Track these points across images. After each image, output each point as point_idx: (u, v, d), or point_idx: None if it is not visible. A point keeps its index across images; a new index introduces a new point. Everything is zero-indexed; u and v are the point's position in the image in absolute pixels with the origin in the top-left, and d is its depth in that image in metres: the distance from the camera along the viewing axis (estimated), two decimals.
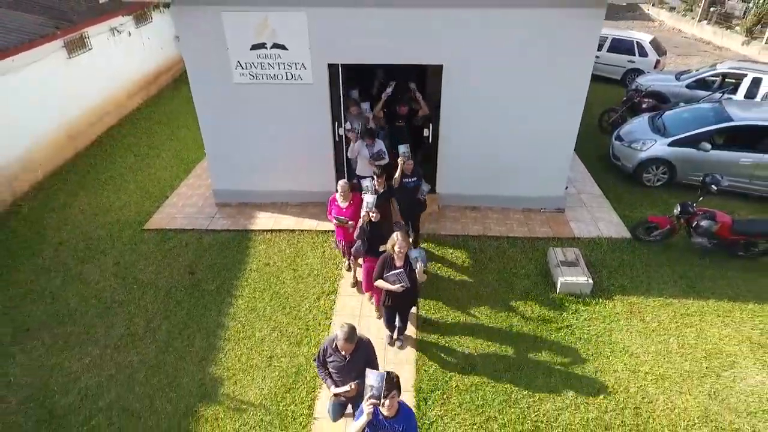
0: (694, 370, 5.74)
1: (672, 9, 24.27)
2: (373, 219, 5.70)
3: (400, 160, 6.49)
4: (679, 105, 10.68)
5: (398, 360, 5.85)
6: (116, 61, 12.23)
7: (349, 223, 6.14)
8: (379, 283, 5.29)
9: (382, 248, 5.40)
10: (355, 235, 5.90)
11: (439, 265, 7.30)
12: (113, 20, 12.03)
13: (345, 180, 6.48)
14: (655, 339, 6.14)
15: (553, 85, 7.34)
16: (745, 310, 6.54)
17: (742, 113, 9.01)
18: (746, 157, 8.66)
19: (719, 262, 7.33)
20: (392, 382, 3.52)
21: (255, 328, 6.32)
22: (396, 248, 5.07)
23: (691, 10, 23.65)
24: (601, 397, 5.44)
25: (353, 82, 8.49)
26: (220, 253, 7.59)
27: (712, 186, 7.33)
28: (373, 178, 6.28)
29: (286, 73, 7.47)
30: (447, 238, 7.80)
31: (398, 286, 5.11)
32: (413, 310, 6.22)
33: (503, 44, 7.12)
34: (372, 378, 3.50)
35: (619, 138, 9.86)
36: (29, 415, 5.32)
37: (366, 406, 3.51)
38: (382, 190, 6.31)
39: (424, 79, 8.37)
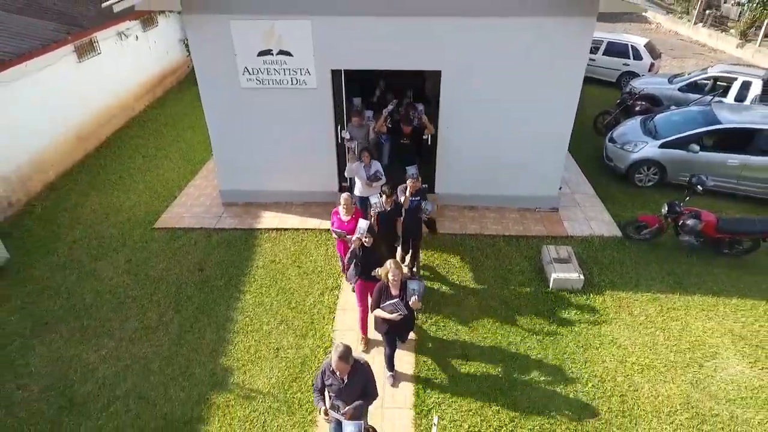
0: (678, 361, 6.07)
1: (668, 12, 24.55)
2: (365, 244, 5.55)
3: (408, 182, 6.41)
4: (670, 108, 10.98)
5: (398, 353, 6.09)
6: (124, 64, 12.56)
7: (349, 237, 5.93)
8: (377, 312, 5.24)
9: (374, 273, 5.32)
10: (346, 259, 5.78)
11: (438, 263, 7.63)
12: (121, 25, 12.34)
13: (348, 194, 6.38)
14: (642, 332, 6.47)
15: (550, 88, 7.66)
16: (729, 304, 6.87)
17: (730, 116, 9.33)
18: (733, 159, 8.98)
19: (705, 260, 7.66)
20: None
21: (262, 322, 6.65)
22: (390, 277, 5.02)
23: (688, 13, 23.97)
24: (590, 385, 5.77)
25: (354, 84, 8.71)
26: (228, 251, 7.91)
27: (698, 186, 7.65)
28: (381, 195, 6.26)
29: (291, 78, 7.79)
30: (445, 236, 8.12)
31: (396, 315, 5.07)
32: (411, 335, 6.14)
33: (503, 49, 7.42)
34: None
35: (612, 140, 10.18)
36: (51, 402, 5.64)
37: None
38: (389, 209, 6.33)
39: (423, 83, 8.66)
